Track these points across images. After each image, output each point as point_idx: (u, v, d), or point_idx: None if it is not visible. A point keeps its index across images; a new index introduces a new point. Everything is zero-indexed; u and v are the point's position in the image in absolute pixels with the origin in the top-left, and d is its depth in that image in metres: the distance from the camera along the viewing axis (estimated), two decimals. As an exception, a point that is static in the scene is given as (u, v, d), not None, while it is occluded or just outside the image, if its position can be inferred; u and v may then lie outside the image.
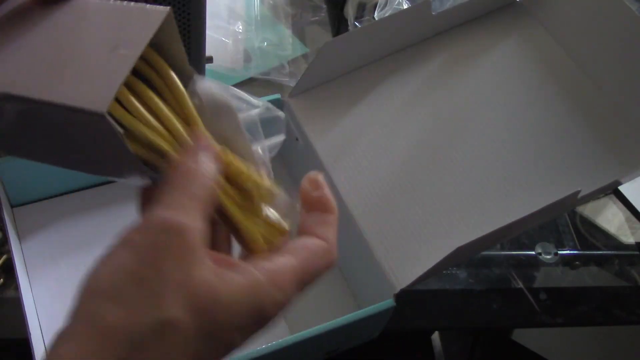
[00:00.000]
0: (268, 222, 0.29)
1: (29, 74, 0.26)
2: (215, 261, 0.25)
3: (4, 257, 0.57)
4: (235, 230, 0.28)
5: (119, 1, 0.28)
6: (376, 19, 0.74)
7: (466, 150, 0.56)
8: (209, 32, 0.56)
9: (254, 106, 0.31)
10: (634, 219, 0.69)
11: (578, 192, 0.49)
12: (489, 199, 0.54)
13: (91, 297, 0.23)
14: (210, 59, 0.63)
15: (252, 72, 0.75)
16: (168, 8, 0.27)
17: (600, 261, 0.65)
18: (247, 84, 0.75)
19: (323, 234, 0.28)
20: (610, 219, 0.69)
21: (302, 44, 0.80)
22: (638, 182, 0.58)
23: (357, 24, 0.76)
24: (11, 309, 0.54)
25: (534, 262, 0.65)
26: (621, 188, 0.70)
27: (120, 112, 0.26)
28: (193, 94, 0.29)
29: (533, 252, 0.65)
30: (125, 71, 0.25)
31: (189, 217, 0.24)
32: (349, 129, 0.57)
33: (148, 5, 0.28)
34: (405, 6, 0.73)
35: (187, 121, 0.28)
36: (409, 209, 0.53)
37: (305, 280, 0.27)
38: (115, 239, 0.24)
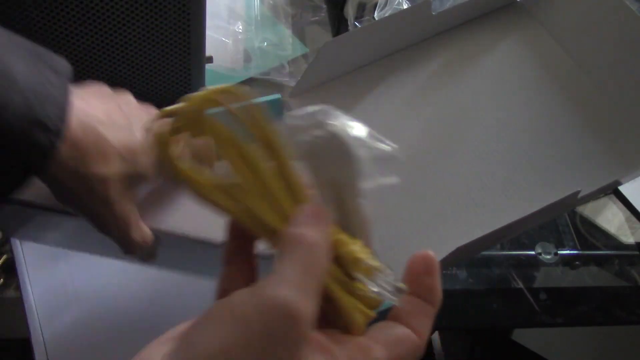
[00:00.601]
0: (363, 296, 0.27)
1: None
2: (315, 344, 0.24)
3: (4, 257, 0.57)
4: (333, 307, 0.26)
5: None
6: (376, 19, 0.74)
7: (466, 150, 0.56)
8: (209, 32, 0.56)
9: (382, 150, 0.28)
10: (634, 219, 0.69)
11: (578, 192, 0.49)
12: (489, 199, 0.54)
13: None
14: (210, 59, 0.63)
15: (252, 72, 0.75)
16: None
17: (600, 261, 0.65)
18: (247, 84, 0.75)
19: (420, 329, 0.26)
20: (610, 219, 0.69)
21: (302, 44, 0.80)
22: (638, 182, 0.58)
23: (357, 24, 0.76)
24: (11, 309, 0.54)
25: (534, 262, 0.65)
26: (621, 188, 0.70)
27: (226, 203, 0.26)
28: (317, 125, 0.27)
29: (533, 252, 0.65)
30: None
31: (308, 303, 0.23)
32: (349, 129, 0.57)
33: None
34: (405, 6, 0.73)
35: (293, 186, 0.26)
36: (408, 209, 0.53)
37: None
38: (223, 305, 0.22)
